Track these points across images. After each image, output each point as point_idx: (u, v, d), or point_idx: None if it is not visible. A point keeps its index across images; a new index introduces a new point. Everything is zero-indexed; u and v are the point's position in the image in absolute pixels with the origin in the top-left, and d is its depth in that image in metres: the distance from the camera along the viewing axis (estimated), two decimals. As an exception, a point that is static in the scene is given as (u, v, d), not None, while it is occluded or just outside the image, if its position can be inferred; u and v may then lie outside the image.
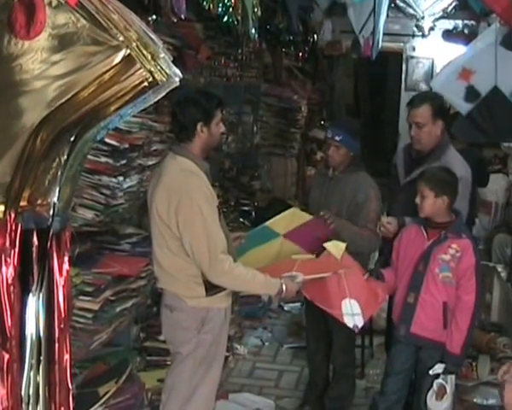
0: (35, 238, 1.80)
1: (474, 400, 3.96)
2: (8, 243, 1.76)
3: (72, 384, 1.95)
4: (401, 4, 8.90)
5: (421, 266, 3.49)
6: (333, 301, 3.48)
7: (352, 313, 3.43)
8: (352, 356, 4.25)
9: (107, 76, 1.74)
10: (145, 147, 3.66)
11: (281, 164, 8.22)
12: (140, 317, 4.06)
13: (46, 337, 1.87)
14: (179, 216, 3.05)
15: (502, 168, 6.28)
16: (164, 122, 3.77)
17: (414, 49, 9.59)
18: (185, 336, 3.22)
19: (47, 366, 1.88)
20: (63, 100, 1.75)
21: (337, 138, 3.93)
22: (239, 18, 4.48)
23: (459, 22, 8.84)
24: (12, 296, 1.78)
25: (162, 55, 1.78)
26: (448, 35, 8.87)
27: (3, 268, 1.76)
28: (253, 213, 7.06)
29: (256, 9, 4.72)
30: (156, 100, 1.85)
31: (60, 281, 1.87)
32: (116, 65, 1.74)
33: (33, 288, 1.82)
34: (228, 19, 4.39)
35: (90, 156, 2.94)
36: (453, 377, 3.44)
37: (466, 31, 8.55)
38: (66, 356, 1.91)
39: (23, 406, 1.83)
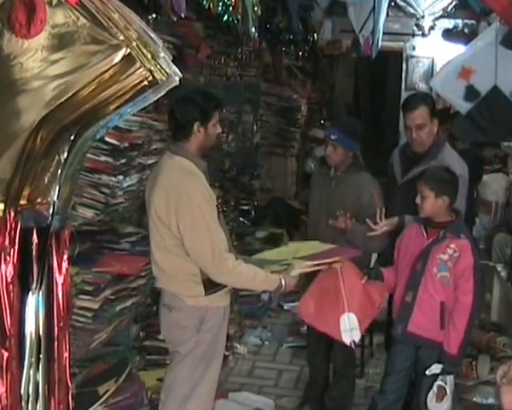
0: (35, 237, 1.80)
1: (474, 399, 3.97)
2: (7, 242, 1.76)
3: (71, 383, 1.96)
4: (401, 3, 8.89)
5: (420, 266, 3.49)
6: (331, 322, 3.53)
7: (349, 329, 3.49)
8: (352, 356, 4.25)
9: (107, 75, 1.75)
10: (145, 146, 3.66)
11: (281, 163, 8.23)
12: (140, 316, 4.05)
13: (45, 336, 1.87)
14: (179, 216, 3.04)
15: (502, 168, 6.27)
16: (164, 121, 3.76)
17: (414, 48, 9.58)
18: (184, 336, 3.21)
19: (46, 365, 1.88)
20: (63, 99, 1.75)
21: (332, 137, 3.91)
22: (239, 17, 4.48)
23: (459, 21, 8.83)
24: (11, 295, 1.78)
25: (162, 54, 1.79)
26: (448, 34, 8.87)
27: (3, 267, 1.76)
28: (253, 213, 7.07)
29: (256, 8, 4.72)
30: (156, 99, 1.85)
31: (59, 280, 1.88)
32: (116, 64, 1.74)
33: (33, 286, 1.83)
34: (228, 18, 4.39)
35: (89, 155, 2.94)
36: (452, 377, 3.43)
37: (466, 30, 8.55)
38: (66, 354, 1.92)
39: (22, 404, 1.84)
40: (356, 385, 4.36)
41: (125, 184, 3.38)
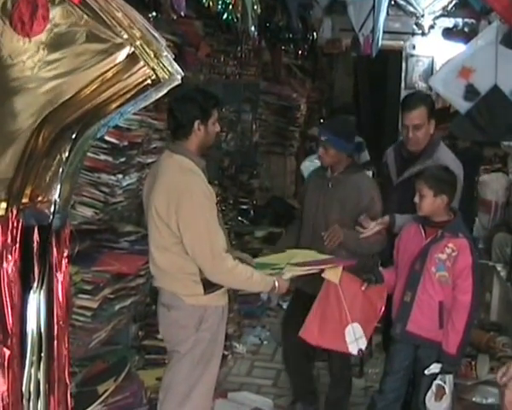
0: (36, 235, 1.81)
1: (473, 399, 3.96)
2: (9, 240, 1.77)
3: (70, 382, 1.95)
4: (401, 2, 8.87)
5: (418, 265, 3.49)
6: (337, 337, 3.56)
7: (355, 339, 3.54)
8: (348, 358, 4.25)
9: (110, 73, 1.75)
10: (144, 145, 3.65)
11: (280, 162, 8.22)
12: (139, 315, 4.05)
13: (46, 334, 1.88)
14: (179, 215, 3.03)
15: (502, 167, 6.26)
16: (163, 120, 3.76)
17: (414, 47, 9.57)
18: (183, 335, 3.21)
19: (47, 363, 1.88)
20: (66, 98, 1.75)
21: (323, 138, 3.90)
22: (239, 15, 4.47)
23: (459, 20, 8.82)
24: (13, 293, 1.79)
25: (165, 52, 1.79)
26: (448, 33, 8.86)
27: (5, 265, 1.77)
28: (252, 212, 7.06)
29: (256, 7, 4.71)
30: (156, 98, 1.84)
31: (60, 278, 1.88)
32: (120, 62, 1.75)
33: (34, 285, 1.83)
34: (227, 16, 4.38)
35: (89, 154, 2.92)
36: (451, 376, 3.43)
37: (466, 29, 8.53)
38: (65, 353, 1.92)
39: (24, 402, 1.84)
40: (355, 385, 4.36)
41: (124, 183, 3.37)
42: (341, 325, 3.54)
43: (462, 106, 4.90)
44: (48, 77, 1.74)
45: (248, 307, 5.61)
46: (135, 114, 3.28)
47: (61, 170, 1.78)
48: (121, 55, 1.74)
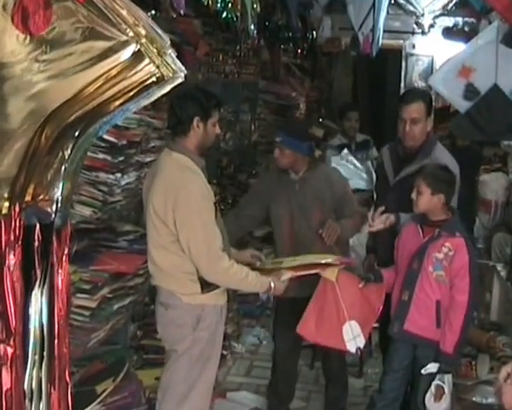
0: (38, 234, 1.81)
1: (474, 399, 3.96)
2: (12, 239, 1.77)
3: (71, 380, 1.96)
4: (401, 1, 8.85)
5: (416, 264, 3.49)
6: (334, 335, 3.56)
7: (353, 337, 3.53)
8: (344, 358, 4.27)
9: (114, 71, 1.75)
10: (143, 143, 3.64)
11: (279, 162, 8.17)
12: (137, 315, 4.05)
13: (48, 333, 1.88)
14: (176, 213, 3.03)
15: (502, 167, 6.25)
16: (162, 119, 3.75)
17: (414, 46, 9.55)
18: (180, 334, 3.21)
19: (48, 362, 1.89)
20: (69, 96, 1.74)
21: (277, 140, 3.89)
22: (238, 14, 4.45)
23: (459, 19, 8.80)
24: (16, 292, 1.79)
25: (169, 50, 1.78)
26: (448, 32, 8.84)
27: (8, 263, 1.77)
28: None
29: (255, 6, 4.69)
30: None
31: (60, 277, 1.88)
32: (125, 60, 1.74)
33: (36, 284, 1.83)
34: (227, 15, 4.37)
35: (87, 153, 2.92)
36: (450, 376, 3.43)
37: (466, 28, 8.51)
38: (65, 352, 1.93)
39: (26, 401, 1.85)
40: (354, 385, 4.38)
41: (122, 182, 3.36)
42: (339, 323, 3.54)
43: (462, 105, 4.88)
44: (51, 75, 1.74)
45: (247, 306, 5.62)
46: (133, 112, 3.27)
47: (63, 168, 1.78)
48: (127, 53, 1.74)
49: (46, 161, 1.77)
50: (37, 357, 1.86)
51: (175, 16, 3.88)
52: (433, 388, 3.40)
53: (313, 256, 3.66)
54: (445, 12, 8.90)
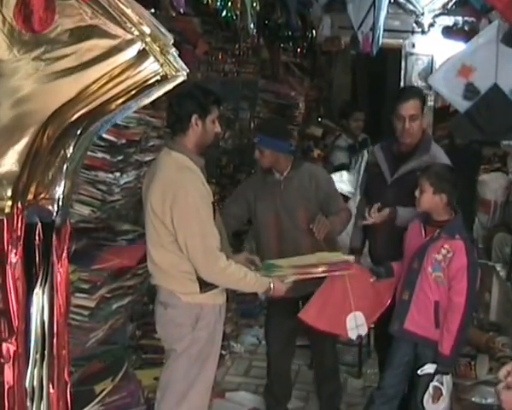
0: (39, 232, 1.81)
1: (473, 399, 3.96)
2: (14, 237, 1.77)
3: (70, 379, 1.96)
4: (401, 0, 8.85)
5: (416, 264, 3.50)
6: (336, 322, 3.59)
7: (356, 326, 3.57)
8: (337, 355, 4.32)
9: (118, 70, 1.74)
10: (142, 142, 3.63)
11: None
12: (136, 314, 4.04)
13: (49, 331, 1.89)
14: (174, 212, 3.03)
15: (501, 167, 6.25)
16: (161, 117, 3.75)
17: (413, 45, 9.54)
18: (179, 333, 3.20)
19: (49, 361, 1.89)
20: (73, 94, 1.74)
21: (256, 140, 3.90)
22: (237, 13, 4.45)
23: (459, 19, 8.77)
24: (18, 290, 1.79)
25: (172, 49, 1.78)
26: (448, 32, 8.82)
27: (10, 262, 1.77)
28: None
29: (255, 4, 4.68)
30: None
31: (60, 276, 1.88)
32: (129, 59, 1.74)
33: (38, 282, 1.84)
34: (226, 13, 4.36)
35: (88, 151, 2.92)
36: (448, 377, 3.43)
37: (466, 27, 8.49)
38: (65, 351, 1.92)
39: (27, 399, 1.85)
40: (353, 385, 4.38)
41: (121, 181, 3.35)
42: (344, 312, 3.56)
43: (462, 105, 4.87)
44: (55, 73, 1.73)
45: (246, 306, 5.61)
46: (133, 111, 3.26)
47: (64, 167, 1.78)
48: (132, 52, 1.73)
49: (48, 160, 1.77)
50: (38, 355, 1.86)
51: (174, 15, 3.88)
52: (430, 389, 3.40)
53: (317, 256, 3.63)
54: (445, 11, 8.89)
